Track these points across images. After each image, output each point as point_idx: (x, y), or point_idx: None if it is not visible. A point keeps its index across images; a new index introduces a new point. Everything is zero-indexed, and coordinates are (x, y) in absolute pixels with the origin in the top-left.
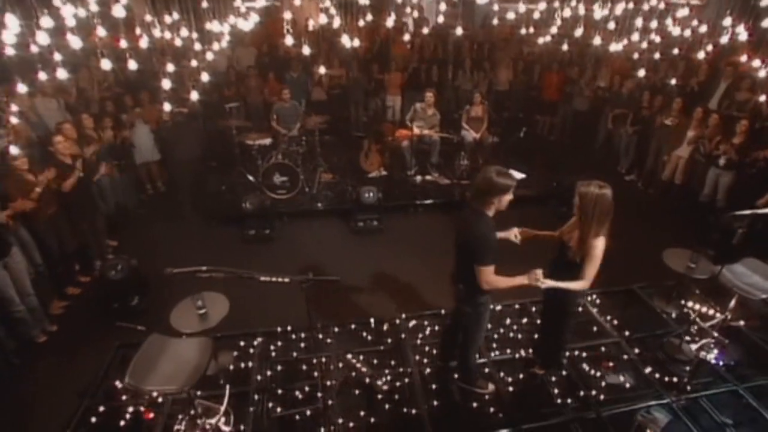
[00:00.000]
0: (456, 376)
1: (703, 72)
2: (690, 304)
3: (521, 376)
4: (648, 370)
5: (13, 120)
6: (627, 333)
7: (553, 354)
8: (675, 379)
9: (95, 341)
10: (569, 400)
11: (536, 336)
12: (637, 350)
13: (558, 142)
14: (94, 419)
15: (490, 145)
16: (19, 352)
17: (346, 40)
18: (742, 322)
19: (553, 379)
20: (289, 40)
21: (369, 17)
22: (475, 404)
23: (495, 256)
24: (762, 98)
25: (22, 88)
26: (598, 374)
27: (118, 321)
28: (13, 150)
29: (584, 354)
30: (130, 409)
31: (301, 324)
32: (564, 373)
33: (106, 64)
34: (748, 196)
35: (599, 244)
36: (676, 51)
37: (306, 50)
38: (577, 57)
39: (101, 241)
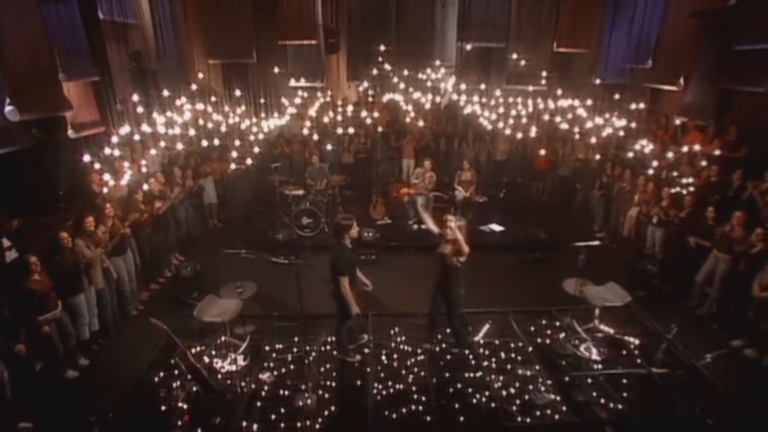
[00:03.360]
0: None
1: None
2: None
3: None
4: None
5: (144, 169)
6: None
7: (458, 331)
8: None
9: (166, 317)
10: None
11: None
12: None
13: (548, 204)
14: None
15: (477, 203)
16: (122, 318)
17: (339, 130)
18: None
19: (471, 356)
20: (305, 130)
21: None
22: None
23: (348, 270)
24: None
25: (153, 151)
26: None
27: (185, 299)
28: (146, 187)
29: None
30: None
31: (298, 310)
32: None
33: (204, 143)
34: (676, 249)
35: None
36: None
37: (315, 137)
38: (562, 134)
39: (170, 255)
